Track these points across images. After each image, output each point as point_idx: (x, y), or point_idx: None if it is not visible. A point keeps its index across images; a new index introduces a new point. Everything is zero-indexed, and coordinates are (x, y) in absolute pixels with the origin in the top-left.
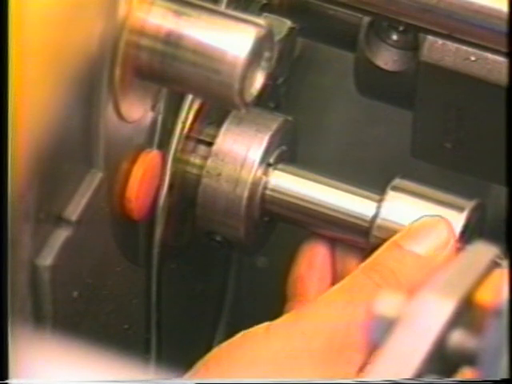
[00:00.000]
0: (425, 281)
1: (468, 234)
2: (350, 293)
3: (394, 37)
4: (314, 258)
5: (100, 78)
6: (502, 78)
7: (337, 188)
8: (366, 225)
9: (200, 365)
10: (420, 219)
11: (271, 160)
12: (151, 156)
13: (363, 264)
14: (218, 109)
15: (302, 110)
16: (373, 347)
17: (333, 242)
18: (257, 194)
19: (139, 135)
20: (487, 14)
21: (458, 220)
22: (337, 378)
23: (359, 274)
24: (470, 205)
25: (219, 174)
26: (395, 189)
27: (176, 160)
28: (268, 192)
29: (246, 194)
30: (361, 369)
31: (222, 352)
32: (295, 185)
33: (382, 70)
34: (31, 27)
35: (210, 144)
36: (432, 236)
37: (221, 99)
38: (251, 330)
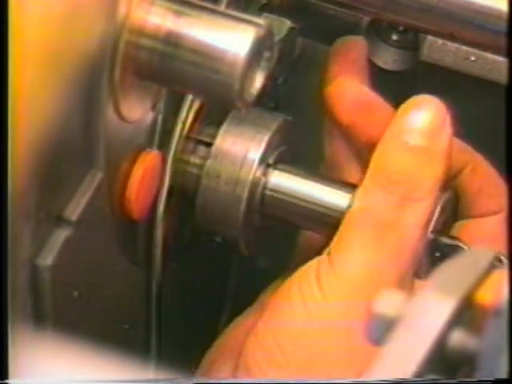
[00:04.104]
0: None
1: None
2: (373, 215)
3: (394, 37)
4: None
5: (100, 78)
6: (501, 78)
7: (336, 188)
8: None
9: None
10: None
11: (271, 160)
12: (151, 156)
13: (371, 174)
14: (218, 109)
15: (301, 110)
16: None
17: None
18: (256, 194)
19: (139, 135)
20: (487, 13)
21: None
22: None
23: (376, 191)
24: (444, 196)
25: (218, 176)
26: None
27: (176, 160)
28: (268, 192)
29: (245, 194)
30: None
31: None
32: (295, 185)
33: (382, 69)
34: (31, 27)
35: (209, 144)
36: (428, 124)
37: (221, 99)
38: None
